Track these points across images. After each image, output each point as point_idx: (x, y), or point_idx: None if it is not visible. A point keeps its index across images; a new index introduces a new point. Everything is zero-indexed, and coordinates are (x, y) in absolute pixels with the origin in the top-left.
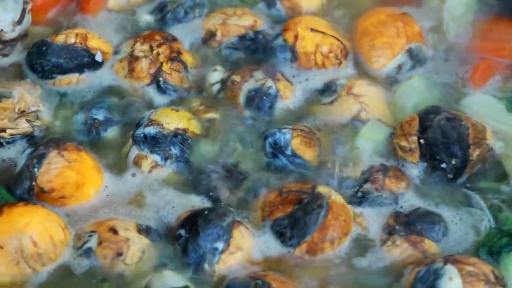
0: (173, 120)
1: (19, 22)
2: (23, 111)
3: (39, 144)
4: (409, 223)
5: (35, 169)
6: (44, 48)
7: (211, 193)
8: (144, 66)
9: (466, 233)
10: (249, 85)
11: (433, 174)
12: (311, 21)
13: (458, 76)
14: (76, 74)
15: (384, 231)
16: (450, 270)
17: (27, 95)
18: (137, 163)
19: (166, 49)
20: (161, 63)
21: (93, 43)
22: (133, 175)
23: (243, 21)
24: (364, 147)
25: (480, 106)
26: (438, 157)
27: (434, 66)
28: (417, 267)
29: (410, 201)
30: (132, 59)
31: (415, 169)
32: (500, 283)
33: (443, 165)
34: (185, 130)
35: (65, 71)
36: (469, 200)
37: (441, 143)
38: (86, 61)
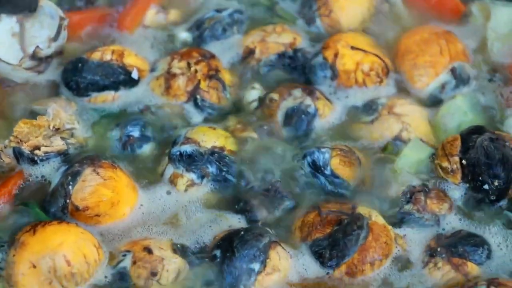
0: (210, 138)
1: (55, 38)
2: (58, 129)
3: (74, 162)
4: (451, 245)
5: (70, 187)
6: (80, 65)
7: (248, 213)
8: (181, 83)
9: (510, 256)
10: (287, 103)
11: (475, 195)
12: (352, 39)
13: (502, 96)
14: (112, 92)
15: (426, 253)
16: None
17: (62, 112)
18: (172, 181)
19: (204, 66)
20: (199, 81)
21: (130, 60)
22: (169, 193)
23: (282, 38)
24: (405, 167)
25: None
26: (480, 178)
27: (478, 86)
28: None
29: (452, 223)
30: (169, 76)
31: (457, 191)
32: None
33: (486, 187)
34: (222, 148)
35: (100, 89)
36: None
37: (484, 164)
38: (122, 79)
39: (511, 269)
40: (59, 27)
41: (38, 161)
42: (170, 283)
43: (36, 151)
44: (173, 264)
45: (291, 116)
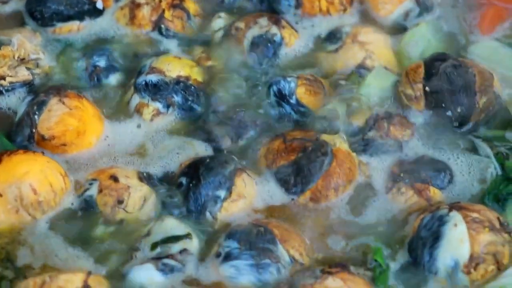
0: (175, 68)
1: None
2: (23, 59)
3: (40, 92)
4: (413, 171)
5: (36, 116)
6: None
7: (213, 142)
8: (145, 13)
9: (472, 181)
10: (253, 32)
11: (438, 122)
12: None
13: (466, 23)
14: (77, 22)
15: (389, 178)
16: (455, 217)
17: (27, 42)
18: (138, 111)
19: None
20: (163, 10)
21: None
22: (135, 123)
23: None
24: (369, 95)
25: (488, 53)
26: (443, 105)
27: (442, 13)
28: (421, 214)
29: (415, 149)
30: (134, 6)
31: (420, 117)
32: (505, 230)
33: (449, 113)
34: (187, 78)
35: (65, 19)
36: (476, 148)
37: (447, 90)
38: (87, 9)
39: (473, 193)
40: None
41: (4, 92)
42: (136, 210)
43: (1, 81)
44: (139, 192)
45: (257, 45)
